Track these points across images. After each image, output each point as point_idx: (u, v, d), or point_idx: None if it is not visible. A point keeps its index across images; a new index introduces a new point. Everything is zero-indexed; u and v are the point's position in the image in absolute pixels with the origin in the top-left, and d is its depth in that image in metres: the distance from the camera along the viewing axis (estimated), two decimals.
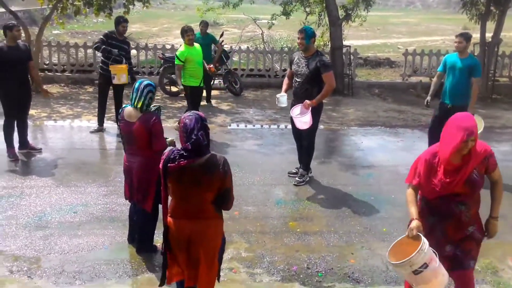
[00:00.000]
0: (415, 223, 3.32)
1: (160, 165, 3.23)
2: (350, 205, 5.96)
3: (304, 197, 6.16)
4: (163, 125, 4.49)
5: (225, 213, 3.47)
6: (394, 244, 3.39)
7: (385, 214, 5.74)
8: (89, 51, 12.77)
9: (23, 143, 7.36)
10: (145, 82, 4.47)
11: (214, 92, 11.34)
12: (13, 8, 12.46)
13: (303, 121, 6.01)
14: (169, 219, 3.32)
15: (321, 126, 8.94)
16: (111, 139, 8.27)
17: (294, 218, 5.60)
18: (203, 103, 10.62)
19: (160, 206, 4.39)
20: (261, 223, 5.46)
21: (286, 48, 14.32)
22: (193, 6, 25.14)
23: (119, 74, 8.05)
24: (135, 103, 4.38)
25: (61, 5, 11.66)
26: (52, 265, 4.48)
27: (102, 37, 8.32)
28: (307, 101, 5.98)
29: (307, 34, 6.01)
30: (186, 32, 7.95)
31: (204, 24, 10.52)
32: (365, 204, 5.98)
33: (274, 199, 6.08)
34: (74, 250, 4.75)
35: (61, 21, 12.78)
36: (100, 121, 8.57)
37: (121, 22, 8.19)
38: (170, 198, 3.36)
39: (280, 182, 6.60)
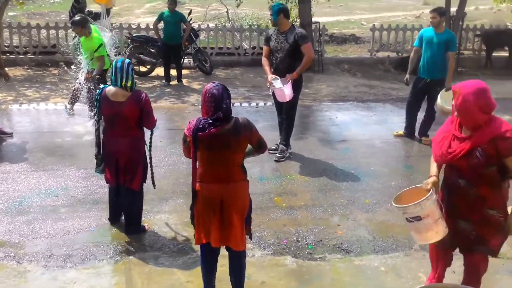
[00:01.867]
0: (432, 178, 3.33)
1: (188, 134, 3.32)
2: (331, 178, 6.05)
3: (286, 172, 6.22)
4: None
5: None
6: (408, 189, 3.48)
7: (366, 186, 5.86)
8: (52, 31, 12.34)
9: None
10: (126, 61, 4.40)
11: (184, 71, 11.19)
12: None
13: (285, 93, 6.06)
14: (199, 184, 3.43)
15: None
16: (83, 121, 8.01)
17: (279, 194, 5.65)
18: (174, 82, 10.53)
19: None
20: None
21: (254, 26, 14.21)
22: None
23: None
24: (123, 83, 4.28)
25: None
26: (40, 250, 4.39)
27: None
28: (288, 75, 6.09)
29: (274, 11, 6.18)
30: None
31: (172, 2, 10.30)
32: (346, 177, 6.09)
33: (256, 176, 6.09)
34: (60, 234, 4.66)
35: (20, 1, 12.28)
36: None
37: None
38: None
39: (261, 159, 6.56)
